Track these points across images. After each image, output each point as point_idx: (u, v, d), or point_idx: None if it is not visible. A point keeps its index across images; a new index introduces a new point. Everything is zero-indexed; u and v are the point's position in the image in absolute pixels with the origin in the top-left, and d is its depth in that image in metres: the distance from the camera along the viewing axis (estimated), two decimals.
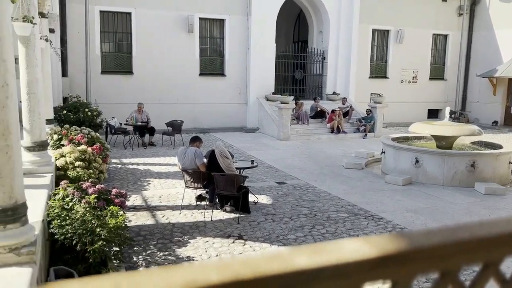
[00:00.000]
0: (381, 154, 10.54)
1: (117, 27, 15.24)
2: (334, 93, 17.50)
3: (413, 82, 19.98)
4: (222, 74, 16.51)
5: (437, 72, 20.61)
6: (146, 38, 15.18)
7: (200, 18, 15.82)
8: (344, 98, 16.90)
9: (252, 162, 8.22)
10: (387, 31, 19.15)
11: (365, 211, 7.22)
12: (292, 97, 15.30)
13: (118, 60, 15.40)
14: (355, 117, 16.36)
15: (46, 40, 8.84)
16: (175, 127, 13.12)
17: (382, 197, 8.06)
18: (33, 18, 5.73)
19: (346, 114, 16.27)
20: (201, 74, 16.11)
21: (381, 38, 19.28)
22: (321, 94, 17.49)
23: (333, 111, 15.63)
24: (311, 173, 9.93)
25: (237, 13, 16.15)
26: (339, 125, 15.47)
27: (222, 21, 16.24)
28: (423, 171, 9.26)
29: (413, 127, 10.26)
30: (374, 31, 18.92)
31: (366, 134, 15.58)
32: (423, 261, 0.53)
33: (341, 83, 17.64)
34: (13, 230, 3.22)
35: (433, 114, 20.34)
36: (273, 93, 16.37)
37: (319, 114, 16.11)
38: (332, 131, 15.43)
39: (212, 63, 16.47)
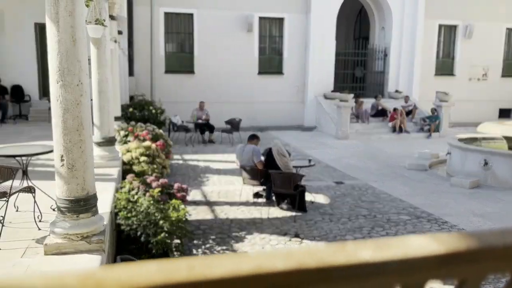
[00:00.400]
0: (446, 155, 10.06)
1: (180, 28, 15.76)
2: (396, 91, 16.93)
3: (482, 79, 18.84)
4: (280, 72, 16.54)
5: (510, 69, 19.28)
6: (207, 38, 15.57)
7: (260, 18, 15.96)
8: (407, 96, 16.30)
9: (309, 161, 8.17)
10: (455, 26, 18.20)
11: (428, 214, 6.93)
12: (352, 95, 15.01)
13: (181, 60, 15.92)
14: (419, 116, 15.72)
15: (115, 41, 9.34)
16: (233, 125, 13.34)
17: (446, 200, 7.70)
18: (104, 20, 6.08)
19: (409, 113, 15.68)
20: (259, 73, 16.25)
21: (447, 33, 18.36)
22: (382, 92, 17.00)
23: (395, 110, 15.13)
24: (371, 173, 9.69)
25: (296, 11, 16.10)
26: (402, 124, 14.94)
27: (281, 20, 16.27)
28: (493, 174, 8.72)
29: (482, 127, 9.69)
30: (440, 26, 18.06)
31: (430, 134, 14.92)
32: (494, 260, 0.51)
33: (404, 81, 17.04)
34: (85, 220, 3.45)
35: (505, 113, 19.06)
36: (333, 91, 16.15)
37: (380, 113, 15.67)
38: (394, 130, 14.95)
39: (270, 61, 16.56)
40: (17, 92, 13.48)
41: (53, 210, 3.93)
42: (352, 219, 6.66)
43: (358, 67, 17.65)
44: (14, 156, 4.47)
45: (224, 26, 15.64)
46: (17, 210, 4.55)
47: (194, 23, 15.61)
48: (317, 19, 15.89)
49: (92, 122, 5.75)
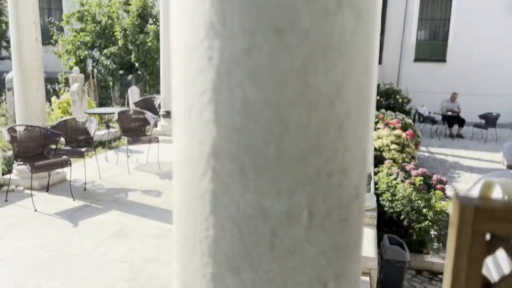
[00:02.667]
0: None
1: (435, 14, 14.95)
2: None
3: None
4: None
5: None
6: (464, 24, 14.30)
7: None
8: None
9: None
10: None
11: None
12: None
13: (432, 47, 15.14)
14: None
15: None
16: (489, 120, 12.00)
17: None
18: None
19: None
20: None
21: None
22: None
23: None
24: None
25: None
26: None
27: None
28: None
29: None
30: None
31: None
32: None
33: None
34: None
35: None
36: None
37: None
38: None
39: None
40: None
41: None
42: None
43: None
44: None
45: (485, 12, 14.04)
46: None
47: (452, 9, 14.55)
48: None
49: None
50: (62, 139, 5.54)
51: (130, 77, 12.29)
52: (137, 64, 11.63)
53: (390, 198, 4.74)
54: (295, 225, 0.60)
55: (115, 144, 7.72)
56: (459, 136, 12.32)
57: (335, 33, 0.58)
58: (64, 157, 5.07)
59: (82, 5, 12.05)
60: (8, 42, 15.49)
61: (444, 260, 4.18)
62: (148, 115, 6.80)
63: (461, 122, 12.28)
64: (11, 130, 4.98)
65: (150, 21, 11.90)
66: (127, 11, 11.73)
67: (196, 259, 0.65)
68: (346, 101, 0.61)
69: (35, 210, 4.60)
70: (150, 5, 11.83)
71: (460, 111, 12.35)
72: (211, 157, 0.62)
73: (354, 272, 0.68)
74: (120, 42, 11.54)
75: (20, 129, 5.10)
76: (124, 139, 6.44)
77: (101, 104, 11.06)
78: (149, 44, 11.24)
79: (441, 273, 4.46)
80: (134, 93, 9.62)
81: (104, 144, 7.34)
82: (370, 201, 3.87)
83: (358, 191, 0.67)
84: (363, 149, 0.66)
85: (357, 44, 0.61)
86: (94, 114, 7.14)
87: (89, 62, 12.61)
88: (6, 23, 15.19)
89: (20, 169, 5.22)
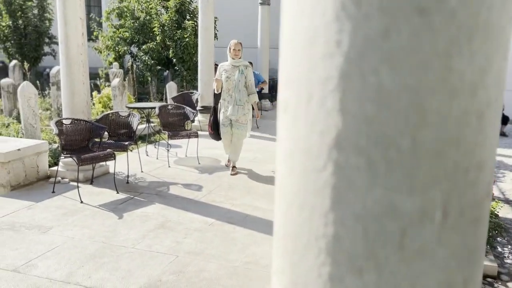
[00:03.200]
0: None
1: None
2: None
3: None
4: None
5: None
6: None
7: None
8: None
9: None
10: None
11: None
12: None
13: None
14: None
15: None
16: None
17: None
18: None
19: None
20: None
21: None
22: None
23: None
24: None
25: None
26: None
27: None
28: None
29: None
30: None
31: None
32: None
33: None
34: None
35: None
36: None
37: None
38: None
39: None
40: None
41: None
42: None
43: None
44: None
45: None
46: None
47: None
48: None
49: None
50: (106, 133, 5.65)
51: (166, 72, 12.45)
52: (174, 60, 11.76)
53: None
54: (427, 224, 0.55)
55: (153, 138, 7.83)
56: (503, 134, 11.83)
57: (482, 13, 0.52)
58: (109, 150, 5.17)
59: (121, 1, 12.28)
60: (50, 38, 16.01)
61: (491, 263, 4.00)
62: (188, 110, 6.85)
63: (504, 120, 11.79)
64: (59, 123, 5.12)
65: (188, 16, 12.00)
66: (166, 7, 11.87)
67: (311, 257, 0.61)
68: (488, 89, 0.55)
69: (81, 202, 4.71)
70: (188, 0, 11.92)
71: (504, 108, 11.87)
72: (334, 148, 0.57)
73: (479, 277, 0.63)
74: (158, 38, 11.70)
75: (66, 122, 5.24)
76: (164, 134, 6.52)
77: (139, 99, 11.26)
78: (187, 39, 11.34)
79: (489, 276, 4.28)
80: (171, 89, 9.73)
81: (144, 138, 7.45)
82: None
83: (489, 189, 0.61)
84: (497, 143, 0.61)
85: (502, 27, 0.55)
86: (135, 108, 7.26)
87: (127, 57, 12.86)
88: (50, 20, 15.70)
89: (65, 161, 5.36)
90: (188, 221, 4.32)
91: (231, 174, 5.88)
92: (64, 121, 5.23)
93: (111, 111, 6.43)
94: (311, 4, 0.58)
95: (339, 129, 0.57)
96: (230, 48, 5.71)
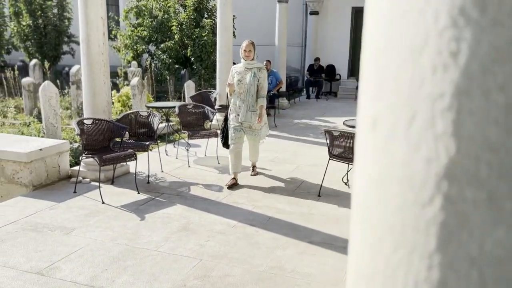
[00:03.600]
0: None
1: None
2: None
3: None
4: None
5: None
6: None
7: None
8: None
9: None
10: None
11: None
12: None
13: None
14: None
15: None
16: None
17: None
18: None
19: None
20: None
21: None
22: None
23: None
24: None
25: None
26: None
27: None
28: None
29: None
30: None
31: None
32: None
33: None
34: None
35: None
36: None
37: None
38: None
39: None
40: (330, 71, 15.04)
41: None
42: None
43: None
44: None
45: None
46: None
47: None
48: None
49: None
50: (126, 133, 5.63)
51: (183, 71, 12.42)
52: (192, 59, 11.73)
53: None
54: None
55: (173, 137, 7.80)
56: None
57: None
58: (130, 150, 5.14)
59: (139, 0, 12.29)
60: (69, 37, 16.15)
61: None
62: (207, 109, 6.79)
63: None
64: (80, 123, 5.10)
65: (206, 15, 11.95)
66: (184, 6, 11.84)
67: None
68: None
69: (103, 202, 4.69)
70: None
71: None
72: (444, 179, 0.48)
73: None
74: (176, 37, 11.67)
75: (88, 122, 5.22)
76: (184, 133, 6.47)
77: (157, 98, 11.26)
78: (205, 38, 11.29)
79: None
80: (190, 88, 9.69)
81: (163, 137, 7.43)
82: None
83: None
84: None
85: None
86: (155, 108, 7.23)
87: (145, 56, 12.87)
88: (69, 19, 15.82)
89: (87, 161, 5.35)
90: (210, 223, 4.25)
91: (251, 175, 5.80)
92: (85, 121, 5.21)
93: (131, 111, 6.41)
94: (418, 6, 0.49)
95: (451, 156, 0.48)
96: (242, 49, 5.30)
